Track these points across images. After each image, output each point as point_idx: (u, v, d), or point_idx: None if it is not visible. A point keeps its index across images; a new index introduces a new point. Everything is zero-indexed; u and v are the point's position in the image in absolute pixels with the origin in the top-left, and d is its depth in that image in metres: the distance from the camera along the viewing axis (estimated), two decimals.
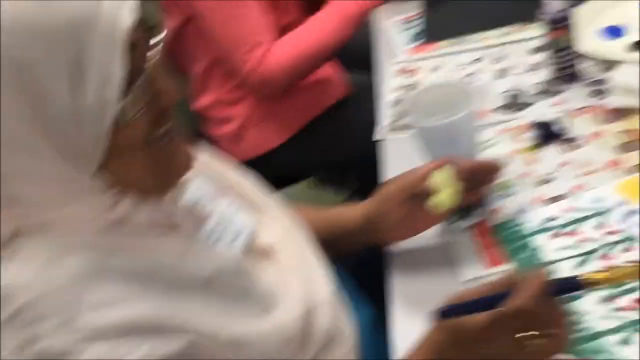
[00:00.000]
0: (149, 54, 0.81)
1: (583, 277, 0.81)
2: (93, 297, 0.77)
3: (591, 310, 1.00)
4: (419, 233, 1.13)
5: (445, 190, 1.03)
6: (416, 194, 1.09)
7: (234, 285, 0.88)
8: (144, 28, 0.81)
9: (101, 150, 0.77)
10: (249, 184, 1.08)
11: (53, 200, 0.81)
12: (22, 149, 0.76)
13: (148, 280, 0.81)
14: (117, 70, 0.75)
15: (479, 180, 1.11)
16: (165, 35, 0.85)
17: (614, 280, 0.81)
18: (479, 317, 0.83)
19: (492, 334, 0.83)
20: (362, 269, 1.23)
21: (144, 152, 0.82)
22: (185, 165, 0.89)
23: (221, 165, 1.07)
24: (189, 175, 0.93)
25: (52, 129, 0.75)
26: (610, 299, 0.99)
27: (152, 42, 0.82)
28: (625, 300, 0.99)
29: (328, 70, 1.93)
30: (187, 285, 0.83)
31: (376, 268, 1.18)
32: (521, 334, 0.82)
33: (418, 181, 1.09)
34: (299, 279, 0.96)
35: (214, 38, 1.77)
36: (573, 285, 0.82)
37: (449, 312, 0.85)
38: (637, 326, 0.95)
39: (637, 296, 0.97)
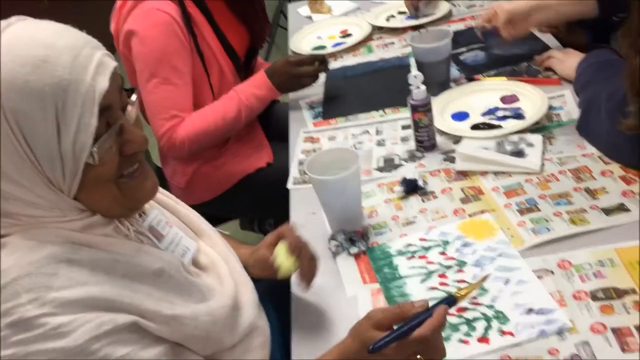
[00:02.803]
0: (122, 111, 0.85)
1: (455, 294, 0.88)
2: (59, 281, 0.78)
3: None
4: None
5: (282, 259, 1.06)
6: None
7: (176, 279, 0.90)
8: (120, 92, 0.85)
9: (77, 183, 0.81)
10: (195, 217, 1.10)
11: (39, 210, 0.82)
12: (20, 178, 0.79)
13: (107, 270, 0.83)
14: (92, 122, 0.79)
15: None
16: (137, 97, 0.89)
17: (469, 293, 0.90)
18: (395, 344, 0.84)
19: (396, 352, 0.84)
20: (273, 287, 1.20)
21: (113, 186, 0.85)
22: (145, 197, 0.92)
23: (174, 203, 1.09)
24: (151, 203, 0.97)
25: (44, 164, 0.79)
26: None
27: (123, 106, 0.86)
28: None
29: (260, 142, 1.92)
30: (138, 276, 0.85)
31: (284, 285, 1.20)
32: (416, 357, 0.84)
33: (267, 249, 1.11)
34: (231, 286, 0.99)
35: (144, 102, 1.72)
36: (451, 300, 0.88)
37: (378, 346, 0.84)
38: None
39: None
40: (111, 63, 0.83)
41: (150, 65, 1.68)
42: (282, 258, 1.06)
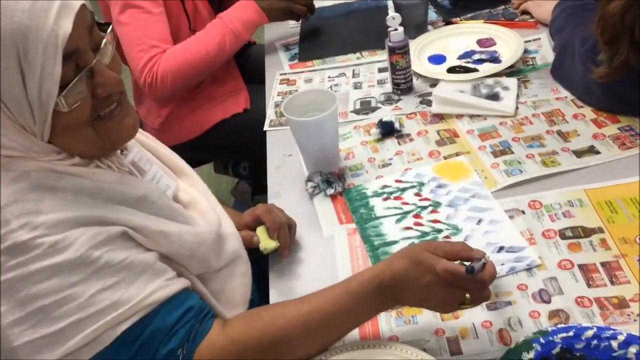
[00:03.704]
0: (95, 51, 0.82)
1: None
2: (46, 205, 0.79)
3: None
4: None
5: (264, 242, 1.10)
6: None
7: (159, 205, 0.91)
8: (90, 30, 0.82)
9: (48, 129, 0.80)
10: (175, 157, 1.10)
11: (15, 152, 0.82)
12: None
13: (91, 195, 0.83)
14: (56, 70, 0.76)
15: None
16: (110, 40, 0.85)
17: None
18: (450, 265, 0.82)
19: (465, 281, 0.82)
20: None
21: (89, 129, 0.84)
22: (125, 137, 0.91)
23: (155, 143, 1.09)
24: (132, 141, 0.96)
25: (14, 110, 0.78)
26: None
27: (97, 44, 0.83)
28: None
29: (237, 85, 1.87)
30: (122, 201, 0.86)
31: None
32: (465, 295, 0.84)
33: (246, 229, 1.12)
34: (214, 218, 1.01)
35: (120, 38, 1.61)
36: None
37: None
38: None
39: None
40: (76, 2, 0.79)
41: None
42: (264, 241, 1.11)
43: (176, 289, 0.86)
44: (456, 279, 0.83)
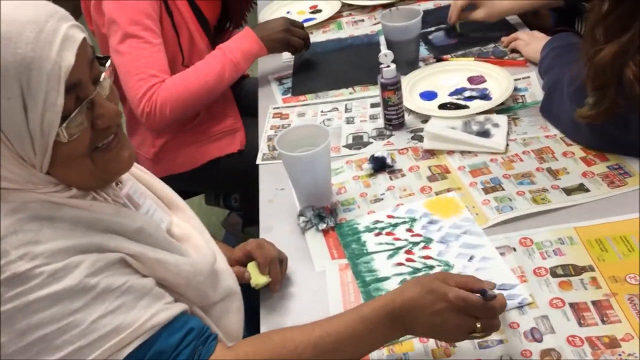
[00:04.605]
0: (94, 83, 0.84)
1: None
2: (45, 235, 0.79)
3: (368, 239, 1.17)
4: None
5: (256, 278, 1.11)
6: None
7: (156, 237, 0.92)
8: (91, 63, 0.83)
9: (48, 160, 0.81)
10: (170, 191, 1.10)
11: (12, 183, 0.82)
12: None
13: (89, 226, 0.84)
14: (59, 102, 0.77)
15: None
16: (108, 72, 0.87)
17: None
18: (463, 291, 0.85)
19: (477, 307, 0.85)
20: None
21: (87, 160, 0.85)
22: (122, 169, 0.92)
23: (149, 177, 1.09)
24: (127, 175, 0.97)
25: (14, 141, 0.79)
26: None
27: (96, 77, 0.85)
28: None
29: (235, 124, 1.86)
30: (120, 232, 0.87)
31: None
32: (476, 324, 0.85)
33: (237, 264, 1.13)
34: (209, 252, 1.01)
35: (117, 67, 1.60)
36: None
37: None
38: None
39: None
40: (79, 35, 0.81)
41: (124, 26, 1.61)
42: (255, 277, 1.12)
43: (176, 311, 0.87)
44: (468, 305, 0.85)
